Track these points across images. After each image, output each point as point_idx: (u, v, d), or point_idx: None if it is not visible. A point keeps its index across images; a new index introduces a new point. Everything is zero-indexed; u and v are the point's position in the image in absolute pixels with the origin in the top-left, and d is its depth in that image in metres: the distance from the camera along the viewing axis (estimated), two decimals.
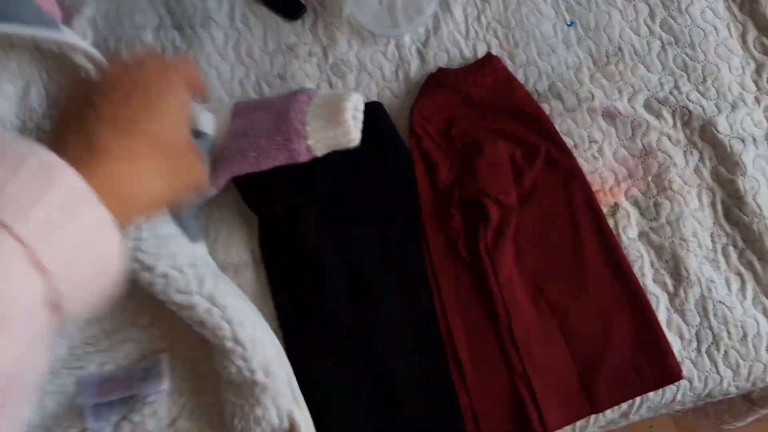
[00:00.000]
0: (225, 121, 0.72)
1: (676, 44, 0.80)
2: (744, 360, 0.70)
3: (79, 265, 0.32)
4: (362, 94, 0.70)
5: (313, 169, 0.67)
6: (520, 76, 0.79)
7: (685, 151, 0.75)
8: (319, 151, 0.64)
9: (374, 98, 0.79)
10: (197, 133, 0.67)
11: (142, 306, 0.69)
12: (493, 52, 0.80)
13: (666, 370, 0.67)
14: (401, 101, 0.79)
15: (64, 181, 0.32)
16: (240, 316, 0.62)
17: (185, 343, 0.68)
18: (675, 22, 0.81)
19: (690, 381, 0.70)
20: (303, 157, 0.64)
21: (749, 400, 0.79)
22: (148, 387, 0.66)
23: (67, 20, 0.80)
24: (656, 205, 0.74)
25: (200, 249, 0.68)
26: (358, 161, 0.71)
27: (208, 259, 0.69)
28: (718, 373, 0.69)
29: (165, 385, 0.66)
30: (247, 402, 0.62)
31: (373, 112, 0.74)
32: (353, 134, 0.63)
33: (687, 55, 0.79)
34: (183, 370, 0.68)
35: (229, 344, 0.60)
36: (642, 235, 0.73)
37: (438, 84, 0.78)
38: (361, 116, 0.65)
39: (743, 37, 0.80)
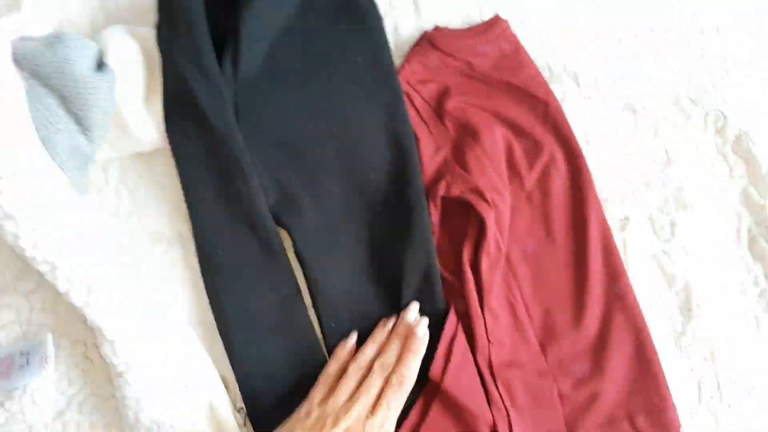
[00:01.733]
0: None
1: (717, 31, 0.67)
2: (747, 416, 0.60)
3: None
4: None
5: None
6: (531, 47, 0.65)
7: (713, 164, 0.63)
8: None
9: None
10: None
11: (27, 269, 0.58)
12: (503, 15, 0.66)
13: (663, 423, 0.57)
14: None
15: None
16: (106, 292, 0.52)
17: (74, 320, 0.57)
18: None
19: None
20: None
21: None
22: (28, 375, 0.55)
23: None
24: (672, 224, 0.62)
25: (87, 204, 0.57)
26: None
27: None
28: (718, 428, 0.60)
29: (49, 371, 0.55)
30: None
31: None
32: None
33: (731, 44, 0.66)
34: (72, 353, 0.57)
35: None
36: (653, 258, 0.62)
37: (433, 46, 0.63)
38: None
39: None
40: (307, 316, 0.58)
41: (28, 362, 0.55)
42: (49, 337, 0.56)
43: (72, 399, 0.56)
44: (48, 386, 0.55)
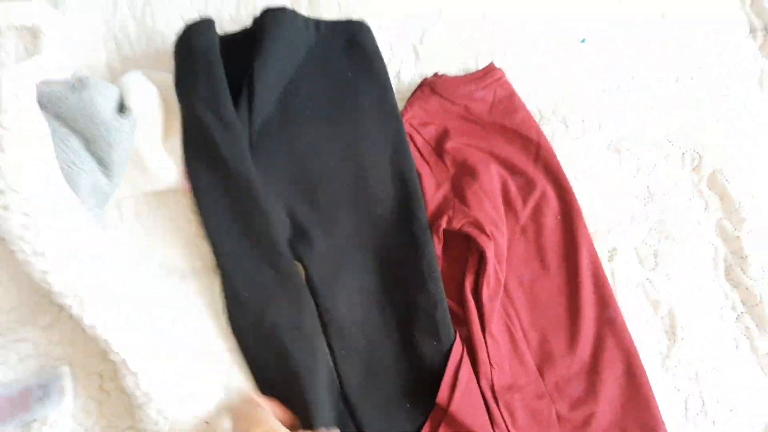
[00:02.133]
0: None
1: (692, 79, 0.74)
2: (730, 431, 0.64)
3: None
4: None
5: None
6: (523, 92, 0.70)
7: (690, 198, 0.69)
8: None
9: None
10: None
11: (44, 303, 0.60)
12: (497, 63, 0.71)
13: None
14: None
15: None
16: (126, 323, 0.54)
17: (91, 353, 0.58)
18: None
19: None
20: None
21: None
22: (47, 406, 0.56)
23: None
24: (656, 254, 0.67)
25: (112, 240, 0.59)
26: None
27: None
28: None
29: (67, 403, 0.56)
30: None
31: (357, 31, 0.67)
32: None
33: (704, 89, 0.73)
34: (89, 385, 0.58)
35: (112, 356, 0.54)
36: (639, 285, 0.67)
37: (433, 91, 0.68)
38: None
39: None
40: (327, 353, 0.60)
41: (46, 394, 0.57)
42: (67, 370, 0.58)
43: (89, 431, 0.57)
44: (66, 418, 0.56)
